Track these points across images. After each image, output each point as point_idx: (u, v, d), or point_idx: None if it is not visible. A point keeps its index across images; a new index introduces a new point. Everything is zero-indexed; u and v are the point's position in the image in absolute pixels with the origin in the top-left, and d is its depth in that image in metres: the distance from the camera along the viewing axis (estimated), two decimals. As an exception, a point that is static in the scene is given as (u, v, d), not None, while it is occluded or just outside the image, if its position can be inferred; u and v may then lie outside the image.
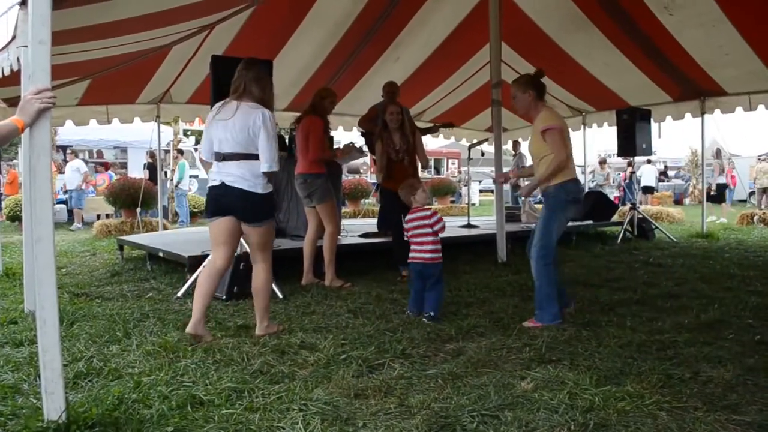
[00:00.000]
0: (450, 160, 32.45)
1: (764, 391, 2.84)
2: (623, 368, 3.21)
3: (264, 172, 3.87)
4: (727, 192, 22.07)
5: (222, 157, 3.88)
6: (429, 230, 4.49)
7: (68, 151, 14.37)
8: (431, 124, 9.55)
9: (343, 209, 13.04)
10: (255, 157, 3.86)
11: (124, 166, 19.70)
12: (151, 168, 14.47)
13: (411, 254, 4.57)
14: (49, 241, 2.44)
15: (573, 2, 7.18)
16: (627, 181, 16.40)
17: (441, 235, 4.55)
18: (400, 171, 5.97)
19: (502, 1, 6.95)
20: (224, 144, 3.88)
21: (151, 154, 15.39)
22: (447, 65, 9.13)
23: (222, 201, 3.89)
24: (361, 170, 22.04)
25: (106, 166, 18.79)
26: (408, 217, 4.65)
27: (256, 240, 4.00)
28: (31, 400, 2.78)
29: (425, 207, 4.66)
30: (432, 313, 4.34)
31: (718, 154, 16.65)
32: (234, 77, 4.05)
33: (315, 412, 2.65)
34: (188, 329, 3.88)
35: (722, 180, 15.84)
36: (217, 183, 3.90)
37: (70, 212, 14.97)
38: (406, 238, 4.80)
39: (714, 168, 15.88)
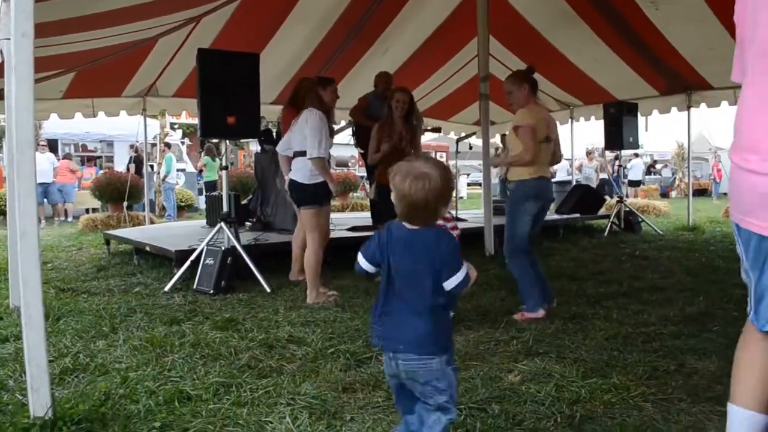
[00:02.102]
0: (438, 154, 32.44)
1: (748, 382, 2.87)
2: (609, 361, 3.24)
3: (311, 161, 4.73)
4: (713, 185, 22.35)
5: (294, 155, 4.89)
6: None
7: (41, 142, 14.18)
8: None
9: (332, 203, 13.03)
10: (304, 153, 4.76)
11: (110, 159, 19.53)
12: (137, 162, 14.39)
13: None
14: (33, 236, 2.42)
15: (561, -4, 7.19)
16: (615, 174, 16.49)
17: None
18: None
19: (491, -6, 6.94)
20: (293, 144, 4.90)
21: (135, 148, 15.32)
22: (435, 59, 9.11)
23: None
24: (350, 163, 21.96)
25: (93, 161, 18.66)
26: None
27: (304, 221, 4.99)
28: (17, 396, 2.76)
29: None
30: (452, 314, 4.14)
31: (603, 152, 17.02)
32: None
33: (303, 407, 2.65)
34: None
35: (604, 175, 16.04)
36: None
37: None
38: None
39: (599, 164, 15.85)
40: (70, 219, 13.62)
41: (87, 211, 14.18)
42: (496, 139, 12.94)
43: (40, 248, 2.47)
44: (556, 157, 4.61)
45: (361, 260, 2.11)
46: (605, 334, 3.74)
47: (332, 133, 5.18)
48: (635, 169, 20.41)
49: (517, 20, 7.84)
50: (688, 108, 9.63)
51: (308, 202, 4.90)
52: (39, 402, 2.41)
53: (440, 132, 7.64)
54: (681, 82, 9.09)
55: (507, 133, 6.58)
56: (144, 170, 12.24)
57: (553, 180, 5.42)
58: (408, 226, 2.00)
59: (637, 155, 20.28)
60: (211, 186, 13.90)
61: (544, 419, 2.50)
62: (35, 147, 2.59)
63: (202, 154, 14.43)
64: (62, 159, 15.56)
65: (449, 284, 1.93)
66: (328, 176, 4.87)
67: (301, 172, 4.86)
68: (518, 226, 4.29)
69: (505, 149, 13.59)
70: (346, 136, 8.41)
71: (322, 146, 4.76)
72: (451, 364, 2.00)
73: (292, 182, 4.93)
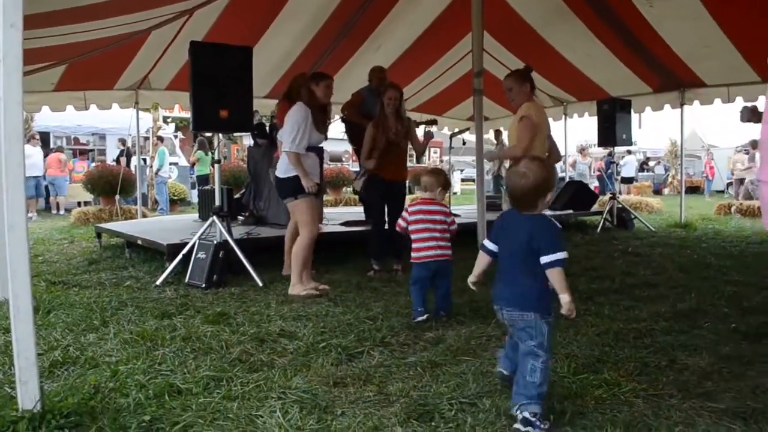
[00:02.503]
0: (432, 149, 32.42)
1: (738, 378, 2.88)
2: (601, 356, 3.24)
3: (286, 155, 4.86)
4: (706, 182, 22.43)
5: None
6: (446, 225, 4.25)
7: (35, 135, 14.12)
8: (414, 119, 9.48)
9: (325, 197, 13.00)
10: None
11: (102, 152, 19.43)
12: (127, 155, 14.35)
13: (426, 252, 4.15)
14: (22, 229, 2.40)
15: (555, -8, 7.19)
16: (609, 171, 16.53)
17: None
18: (395, 156, 5.72)
19: (485, -10, 6.92)
20: (281, 138, 5.03)
21: (124, 141, 15.27)
22: (429, 54, 9.10)
23: None
24: (343, 158, 21.94)
25: (85, 154, 18.58)
26: (425, 208, 4.23)
27: (293, 214, 5.12)
28: (6, 389, 2.74)
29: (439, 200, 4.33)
30: (444, 312, 4.13)
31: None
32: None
33: (294, 401, 2.64)
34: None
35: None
36: None
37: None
38: (399, 233, 4.47)
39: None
40: (61, 212, 13.56)
41: (78, 204, 14.11)
42: (489, 135, 12.94)
43: (29, 240, 2.45)
44: (556, 155, 4.63)
45: (486, 242, 2.74)
46: (597, 330, 3.75)
47: (318, 127, 5.09)
48: (628, 166, 20.46)
49: (512, 16, 7.83)
50: (681, 105, 9.66)
51: (285, 195, 5.04)
52: (28, 395, 2.39)
53: (436, 124, 7.58)
54: (674, 80, 9.11)
55: (501, 129, 6.55)
56: (134, 163, 12.18)
57: None
58: (518, 213, 2.56)
59: (630, 152, 20.34)
60: (204, 180, 13.86)
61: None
62: (24, 139, 2.57)
63: (195, 147, 14.32)
64: (53, 152, 15.46)
65: (544, 259, 2.43)
66: (301, 171, 4.87)
67: (279, 165, 5.02)
68: None
69: (499, 144, 13.65)
70: (339, 132, 8.39)
71: (296, 141, 4.82)
72: (545, 318, 2.47)
73: (275, 176, 5.11)
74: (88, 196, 13.72)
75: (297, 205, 4.98)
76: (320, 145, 5.26)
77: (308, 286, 4.91)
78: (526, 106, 4.35)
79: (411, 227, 4.23)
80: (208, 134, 12.53)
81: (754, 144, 14.97)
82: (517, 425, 2.35)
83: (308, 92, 5.06)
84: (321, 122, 5.08)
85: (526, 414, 2.35)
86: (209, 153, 13.65)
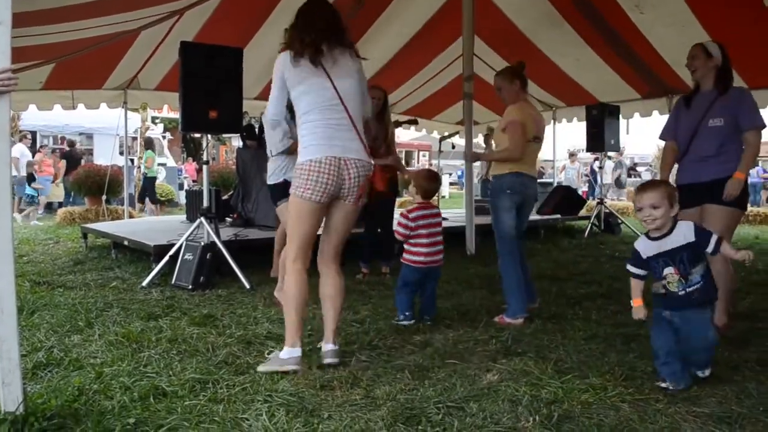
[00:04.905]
0: (421, 153, 32.53)
1: (723, 383, 2.90)
2: (587, 361, 3.26)
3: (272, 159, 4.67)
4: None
5: None
6: (440, 228, 4.27)
7: (26, 135, 14.03)
8: (395, 119, 9.45)
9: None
10: None
11: (90, 152, 19.30)
12: (69, 157, 14.28)
13: (429, 257, 4.14)
14: (7, 228, 2.37)
15: (546, -2, 7.22)
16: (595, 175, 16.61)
17: None
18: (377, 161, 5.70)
19: (476, -6, 6.95)
20: None
21: (71, 142, 15.25)
22: (419, 58, 9.11)
23: None
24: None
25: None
26: (423, 212, 4.20)
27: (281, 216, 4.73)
28: (-12, 390, 2.71)
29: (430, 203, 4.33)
30: (429, 317, 4.14)
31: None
32: None
33: (280, 404, 2.63)
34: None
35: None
36: None
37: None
38: (395, 237, 4.36)
39: None
40: (41, 212, 13.44)
41: (50, 204, 14.08)
42: (479, 140, 12.97)
43: (14, 239, 2.43)
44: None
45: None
46: (584, 335, 3.76)
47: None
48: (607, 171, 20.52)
49: (502, 20, 7.86)
50: (669, 111, 9.71)
51: (276, 199, 4.86)
52: (10, 396, 2.36)
53: (416, 124, 7.54)
54: (662, 86, 9.17)
55: (494, 129, 6.56)
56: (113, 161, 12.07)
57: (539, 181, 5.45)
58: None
59: (609, 157, 20.40)
60: (151, 181, 13.73)
61: (522, 418, 2.50)
62: (11, 137, 2.54)
63: (143, 147, 14.12)
64: (39, 151, 15.34)
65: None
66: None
67: (269, 172, 4.84)
68: (499, 221, 4.29)
69: (488, 148, 13.68)
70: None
71: (283, 143, 4.65)
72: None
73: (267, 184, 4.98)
74: (60, 196, 13.75)
75: (286, 209, 4.89)
76: None
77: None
78: (509, 111, 4.28)
79: (414, 233, 4.15)
80: (197, 135, 12.49)
81: None
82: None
83: None
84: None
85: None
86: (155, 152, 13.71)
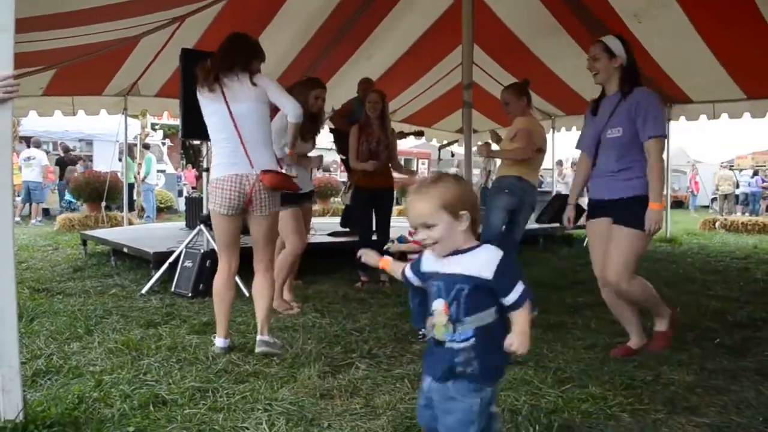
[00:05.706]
0: (420, 161, 32.50)
1: (723, 393, 2.90)
2: (587, 370, 3.26)
3: None
4: (691, 197, 22.66)
5: None
6: None
7: (34, 140, 14.07)
8: (400, 130, 9.49)
9: (312, 207, 12.98)
10: None
11: (90, 159, 19.30)
12: (61, 163, 14.26)
13: None
14: (8, 234, 2.38)
15: (545, 8, 7.24)
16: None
17: None
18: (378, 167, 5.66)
19: (476, 3, 6.97)
20: None
21: (65, 147, 15.27)
22: (419, 65, 9.13)
23: None
24: (332, 168, 21.91)
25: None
26: None
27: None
28: (-13, 398, 2.70)
29: None
30: None
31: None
32: None
33: (280, 412, 2.63)
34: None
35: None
36: None
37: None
38: (388, 246, 4.49)
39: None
40: (38, 219, 13.43)
41: (47, 211, 14.13)
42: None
43: (14, 245, 2.43)
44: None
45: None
46: (583, 344, 3.76)
47: (304, 136, 4.96)
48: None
49: (501, 29, 7.88)
50: (668, 121, 9.74)
51: None
52: (10, 404, 2.36)
53: (422, 135, 7.58)
54: (661, 95, 9.19)
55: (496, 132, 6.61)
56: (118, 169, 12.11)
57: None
58: None
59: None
60: (130, 187, 13.68)
61: (522, 428, 2.50)
62: (12, 143, 2.55)
63: (124, 154, 14.06)
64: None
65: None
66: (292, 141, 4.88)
67: None
68: (489, 219, 4.45)
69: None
70: (327, 141, 8.38)
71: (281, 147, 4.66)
72: None
73: None
74: (54, 203, 13.78)
75: (282, 216, 4.90)
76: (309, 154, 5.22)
77: (282, 298, 4.83)
78: (517, 121, 4.48)
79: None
80: (197, 141, 12.48)
81: None
82: None
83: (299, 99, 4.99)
84: (307, 131, 4.95)
85: None
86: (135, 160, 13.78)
